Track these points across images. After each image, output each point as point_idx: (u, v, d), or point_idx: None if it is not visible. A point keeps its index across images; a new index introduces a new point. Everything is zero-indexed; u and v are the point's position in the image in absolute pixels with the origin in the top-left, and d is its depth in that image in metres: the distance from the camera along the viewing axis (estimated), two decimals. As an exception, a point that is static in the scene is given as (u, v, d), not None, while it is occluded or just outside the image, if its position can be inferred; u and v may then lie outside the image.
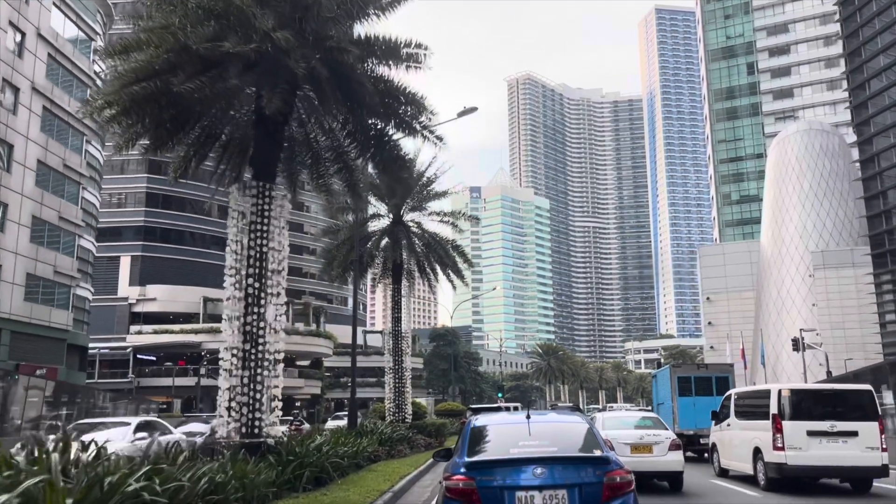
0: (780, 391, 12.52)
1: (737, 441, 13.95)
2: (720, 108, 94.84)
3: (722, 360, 54.29)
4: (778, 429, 12.03)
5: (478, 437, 6.27)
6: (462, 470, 5.73)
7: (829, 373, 38.69)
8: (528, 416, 6.39)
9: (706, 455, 19.10)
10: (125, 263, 61.64)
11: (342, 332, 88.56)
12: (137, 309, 60.73)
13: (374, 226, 21.49)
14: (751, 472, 13.04)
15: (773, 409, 12.27)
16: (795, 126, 65.01)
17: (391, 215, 21.49)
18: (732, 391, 15.47)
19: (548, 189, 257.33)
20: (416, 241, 21.77)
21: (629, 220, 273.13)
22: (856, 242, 56.85)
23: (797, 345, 39.59)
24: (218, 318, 58.36)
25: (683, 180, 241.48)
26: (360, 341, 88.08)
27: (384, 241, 21.36)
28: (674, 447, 12.62)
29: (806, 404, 12.46)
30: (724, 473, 14.83)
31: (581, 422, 6.66)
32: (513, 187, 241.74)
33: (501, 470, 5.61)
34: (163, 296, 61.17)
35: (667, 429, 13.63)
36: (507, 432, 6.40)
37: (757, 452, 12.70)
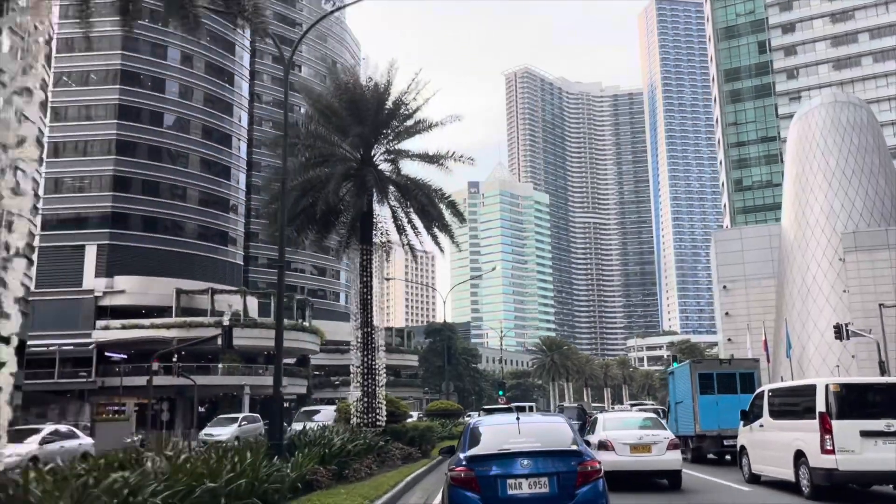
0: (827, 386, 11.35)
1: (772, 443, 12.72)
2: (730, 89, 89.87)
3: (741, 354, 49.40)
4: (826, 429, 10.90)
5: (476, 435, 7.60)
6: (463, 462, 7.07)
7: (881, 363, 33.76)
8: (517, 418, 7.72)
9: (728, 457, 18.59)
10: (91, 253, 56.58)
11: (333, 329, 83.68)
12: (104, 302, 55.68)
13: (337, 170, 16.31)
14: (790, 478, 11.85)
15: (821, 407, 11.13)
16: (819, 99, 59.90)
17: (359, 153, 16.36)
18: (766, 387, 14.17)
19: (547, 185, 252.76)
20: (391, 188, 16.69)
21: (630, 216, 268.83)
22: (888, 222, 52.03)
23: (840, 332, 34.61)
24: (194, 312, 53.30)
25: (686, 173, 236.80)
26: (347, 336, 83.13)
27: (348, 187, 16.23)
28: (672, 447, 12.95)
29: (858, 401, 11.44)
30: (755, 479, 13.56)
31: (561, 422, 8.03)
32: (512, 182, 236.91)
33: (495, 462, 6.92)
34: (132, 288, 56.13)
35: (665, 429, 13.90)
36: (501, 431, 7.64)
37: (799, 456, 11.56)
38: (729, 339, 59.80)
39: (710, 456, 19.18)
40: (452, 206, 16.74)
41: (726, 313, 60.61)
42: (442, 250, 17.61)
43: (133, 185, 58.76)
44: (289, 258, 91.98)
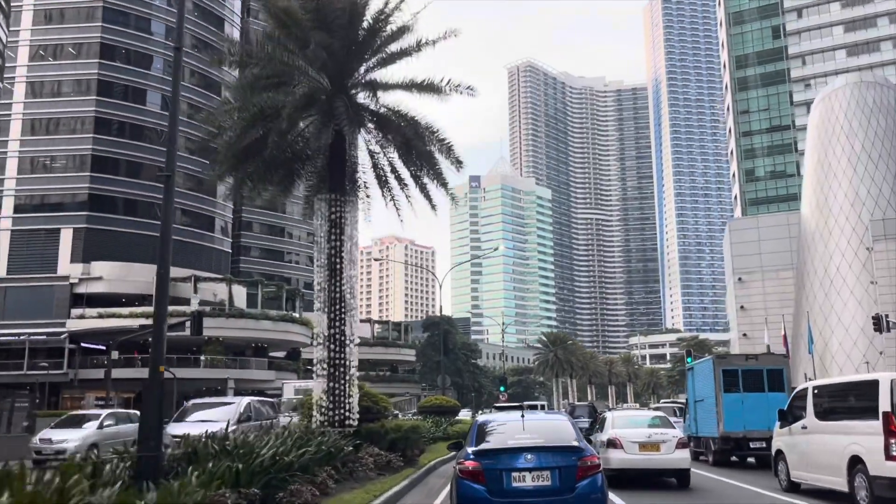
0: (892, 381, 9.83)
1: (819, 448, 11.44)
2: (742, 76, 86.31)
3: (758, 350, 46.04)
4: (892, 432, 9.51)
5: (483, 431, 8.04)
6: (471, 456, 7.40)
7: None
8: (522, 416, 8.25)
9: (752, 460, 17.64)
10: (66, 237, 53.16)
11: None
12: (80, 289, 52.28)
13: (297, 93, 12.58)
14: (841, 487, 10.56)
15: (884, 406, 9.72)
16: (843, 79, 56.42)
17: (326, 77, 12.66)
18: (809, 384, 12.69)
19: (549, 180, 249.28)
20: (369, 120, 13.07)
21: (633, 212, 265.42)
22: (918, 210, 48.74)
23: (879, 325, 31.21)
24: (176, 301, 49.93)
25: (690, 168, 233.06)
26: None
27: (312, 119, 12.62)
28: (680, 445, 12.99)
29: None
30: (794, 488, 12.30)
31: (564, 420, 8.43)
32: (513, 176, 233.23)
33: (501, 456, 7.31)
34: (111, 274, 52.74)
35: (674, 427, 13.78)
36: (507, 428, 8.10)
37: (855, 463, 10.21)
38: (744, 335, 56.43)
39: (733, 458, 18.04)
40: (447, 149, 13.12)
41: (741, 307, 57.20)
42: (433, 206, 14.06)
43: (112, 166, 55.29)
44: (283, 247, 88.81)
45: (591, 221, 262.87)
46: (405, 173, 13.81)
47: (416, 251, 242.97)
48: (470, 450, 7.51)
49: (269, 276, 69.11)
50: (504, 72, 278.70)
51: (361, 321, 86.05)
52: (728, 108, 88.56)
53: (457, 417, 26.76)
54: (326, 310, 13.39)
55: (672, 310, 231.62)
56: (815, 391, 12.08)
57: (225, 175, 13.09)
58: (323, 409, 12.36)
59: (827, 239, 51.36)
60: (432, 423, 22.11)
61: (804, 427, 11.96)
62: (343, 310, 13.24)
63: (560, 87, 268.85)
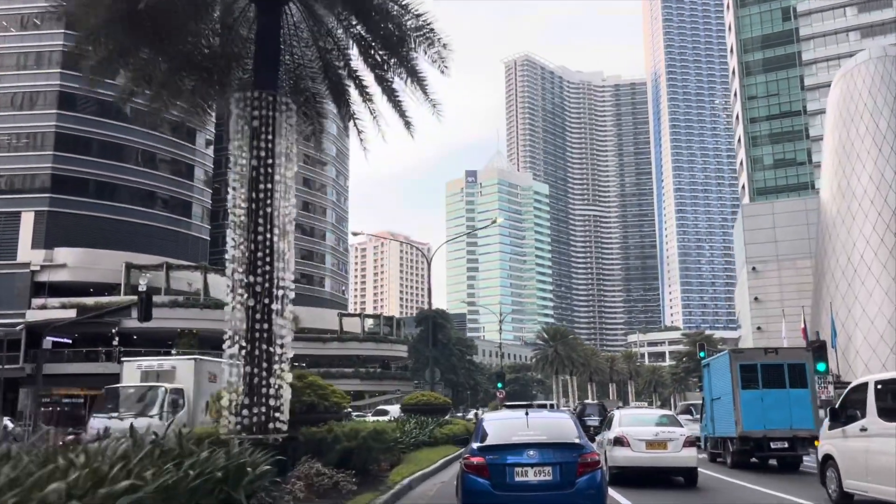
0: None
1: (885, 454, 9.36)
2: (750, 59, 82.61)
3: (774, 344, 42.27)
4: None
5: (489, 427, 8.27)
6: (476, 451, 7.63)
7: None
8: (526, 413, 8.46)
9: (773, 462, 17.04)
10: (27, 221, 49.16)
11: (314, 315, 76.43)
12: (42, 277, 48.29)
13: None
14: None
15: None
16: (865, 54, 52.62)
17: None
18: (870, 378, 10.48)
19: (547, 176, 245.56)
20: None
21: (631, 209, 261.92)
22: (949, 193, 45.03)
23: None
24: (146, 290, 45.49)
25: (690, 164, 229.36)
26: (334, 325, 75.69)
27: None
28: (688, 444, 12.89)
29: None
30: (846, 499, 10.37)
31: (566, 418, 8.73)
32: (510, 172, 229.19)
33: (505, 452, 7.50)
34: (76, 261, 48.75)
35: (682, 426, 13.72)
36: (511, 425, 8.37)
37: None
38: (759, 328, 52.64)
39: (753, 460, 17.03)
40: (425, 36, 9.01)
41: (755, 298, 53.40)
42: (408, 124, 10.07)
43: (79, 145, 51.23)
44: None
45: (589, 218, 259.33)
46: (363, 69, 9.83)
47: (411, 248, 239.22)
48: (475, 445, 7.79)
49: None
50: (501, 68, 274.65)
51: (352, 315, 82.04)
52: (735, 94, 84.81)
53: (447, 418, 22.60)
54: (245, 271, 9.34)
55: (671, 307, 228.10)
56: (879, 386, 10.24)
57: (105, 65, 9.10)
58: (234, 409, 8.38)
59: (850, 225, 47.58)
60: (416, 424, 18.10)
61: (863, 429, 10.35)
62: (269, 256, 9.28)
63: (558, 82, 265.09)
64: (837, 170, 50.32)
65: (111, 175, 51.59)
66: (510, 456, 7.32)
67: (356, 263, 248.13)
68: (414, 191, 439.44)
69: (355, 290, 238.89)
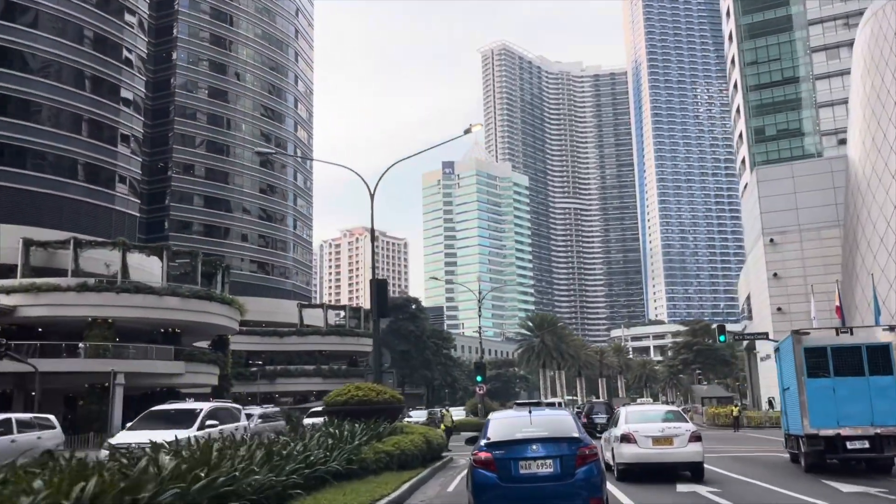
0: None
1: None
2: (749, 22, 75.77)
3: (799, 326, 35.18)
4: None
5: (496, 425, 8.81)
6: (483, 447, 8.19)
7: None
8: (530, 411, 9.01)
9: (855, 462, 14.63)
10: None
11: (272, 308, 68.15)
12: (-80, 257, 39.62)
13: None
14: None
15: None
16: (899, -12, 45.72)
17: None
18: None
19: (526, 168, 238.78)
20: None
21: (612, 201, 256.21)
22: None
23: None
24: (51, 272, 36.79)
25: (672, 154, 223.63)
26: (294, 318, 67.54)
27: None
28: (693, 439, 12.96)
29: None
30: None
31: (567, 415, 9.21)
32: (489, 162, 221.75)
33: (510, 447, 8.05)
34: (-36, 238, 40.14)
35: (687, 421, 13.63)
36: (516, 422, 8.87)
37: None
38: (779, 309, 45.41)
39: (833, 461, 14.23)
40: None
41: (774, 274, 46.16)
42: None
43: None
44: (228, 224, 76.50)
45: (570, 211, 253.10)
46: None
47: (387, 243, 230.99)
48: (483, 442, 8.32)
49: (206, 256, 56.68)
50: (479, 49, 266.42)
51: (314, 307, 73.89)
52: (733, 60, 77.89)
53: (398, 423, 14.35)
54: None
55: (655, 300, 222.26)
56: None
57: None
58: None
59: (888, 184, 40.48)
60: (332, 435, 10.01)
61: None
62: None
63: (536, 72, 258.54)
64: (866, 126, 43.26)
65: (7, 134, 43.02)
66: (515, 451, 7.96)
67: (330, 260, 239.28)
68: (392, 186, 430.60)
69: (329, 286, 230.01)
